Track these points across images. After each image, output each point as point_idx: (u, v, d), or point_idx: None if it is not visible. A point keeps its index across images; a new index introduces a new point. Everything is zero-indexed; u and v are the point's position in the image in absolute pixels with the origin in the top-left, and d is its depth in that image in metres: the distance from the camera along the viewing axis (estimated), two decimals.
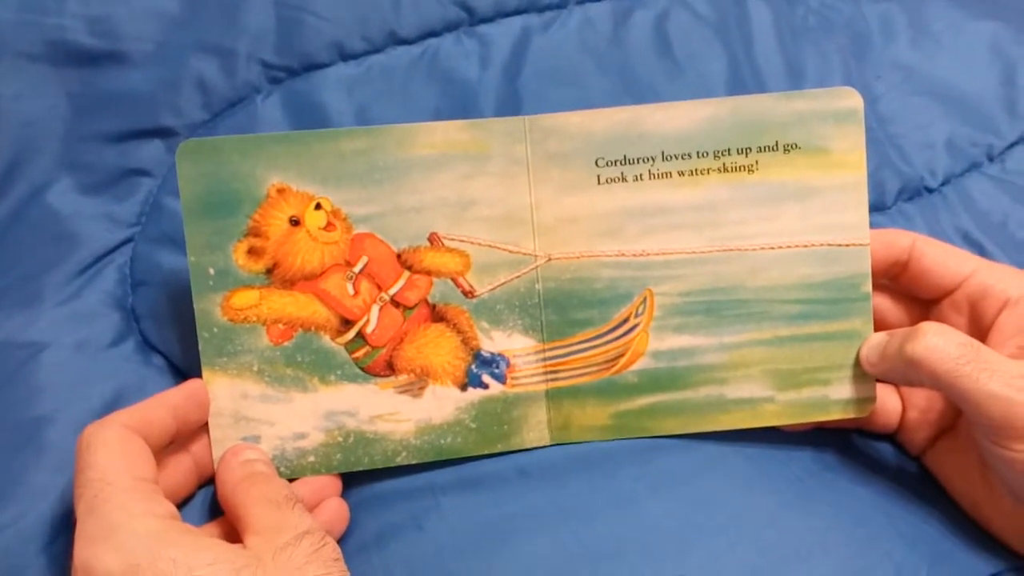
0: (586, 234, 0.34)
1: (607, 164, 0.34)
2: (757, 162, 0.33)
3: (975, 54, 0.47)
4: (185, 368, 0.36)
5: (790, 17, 0.46)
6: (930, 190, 0.44)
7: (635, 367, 0.34)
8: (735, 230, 0.34)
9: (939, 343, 0.30)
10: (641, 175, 0.33)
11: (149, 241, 0.38)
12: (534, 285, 0.34)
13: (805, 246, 0.33)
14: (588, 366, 0.35)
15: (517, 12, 0.43)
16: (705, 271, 0.34)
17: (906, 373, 0.32)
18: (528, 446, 0.35)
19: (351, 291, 0.33)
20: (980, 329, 0.33)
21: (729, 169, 0.33)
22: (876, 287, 0.35)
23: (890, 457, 0.36)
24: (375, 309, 0.34)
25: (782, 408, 0.34)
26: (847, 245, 0.33)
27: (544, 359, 0.35)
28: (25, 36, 0.39)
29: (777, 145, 0.33)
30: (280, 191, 0.33)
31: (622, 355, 0.34)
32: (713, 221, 0.34)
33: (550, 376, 0.35)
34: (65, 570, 0.30)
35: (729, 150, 0.33)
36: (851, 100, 0.33)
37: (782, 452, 0.35)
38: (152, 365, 0.35)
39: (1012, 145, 0.46)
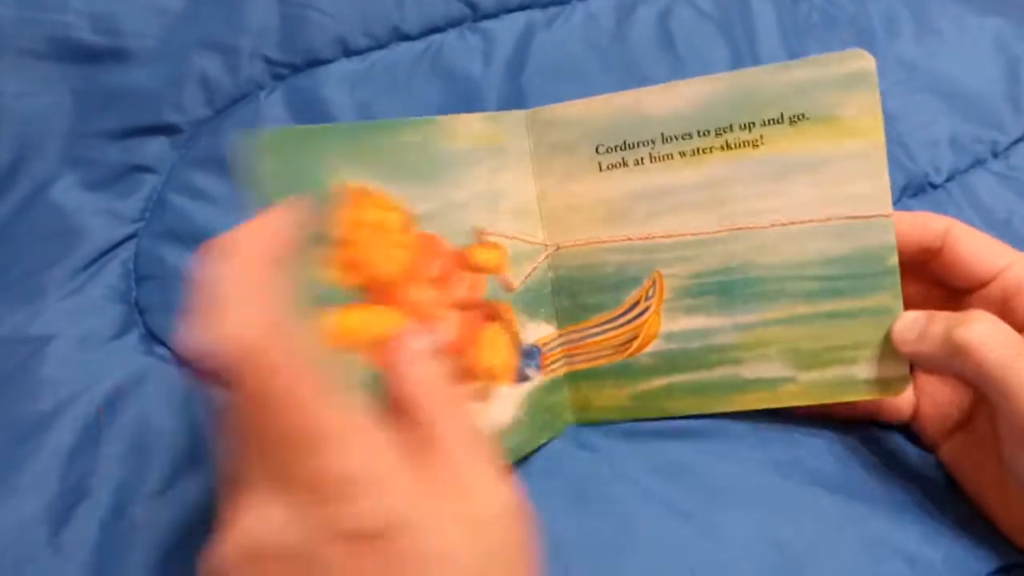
0: (591, 221, 0.34)
1: (607, 150, 0.33)
2: (762, 136, 0.31)
3: (979, 50, 0.47)
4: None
5: (793, 14, 0.46)
6: (934, 186, 0.44)
7: (649, 349, 0.34)
8: (743, 207, 0.32)
9: (992, 333, 0.29)
10: (642, 159, 0.33)
11: (153, 237, 0.38)
12: (547, 273, 0.35)
13: (820, 221, 0.31)
14: (603, 349, 0.34)
15: (520, 8, 0.43)
16: (715, 251, 0.33)
17: (947, 359, 0.30)
18: (559, 430, 0.35)
19: (431, 299, 0.31)
20: (1012, 325, 0.31)
21: (732, 146, 0.32)
22: (901, 268, 0.33)
23: (904, 449, 0.36)
24: (454, 316, 0.32)
25: (803, 388, 0.33)
26: (867, 217, 0.31)
27: (561, 344, 0.35)
28: (27, 33, 0.39)
29: (782, 117, 0.31)
30: (360, 192, 0.29)
31: (635, 338, 0.34)
32: (719, 199, 0.32)
33: (568, 360, 0.35)
34: (67, 562, 0.30)
35: (731, 126, 0.32)
36: (861, 62, 0.30)
37: (795, 444, 0.34)
38: (155, 355, 0.35)
39: (1016, 141, 0.46)
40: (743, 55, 0.44)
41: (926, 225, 0.33)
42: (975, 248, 0.32)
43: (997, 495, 0.32)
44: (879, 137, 0.30)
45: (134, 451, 0.32)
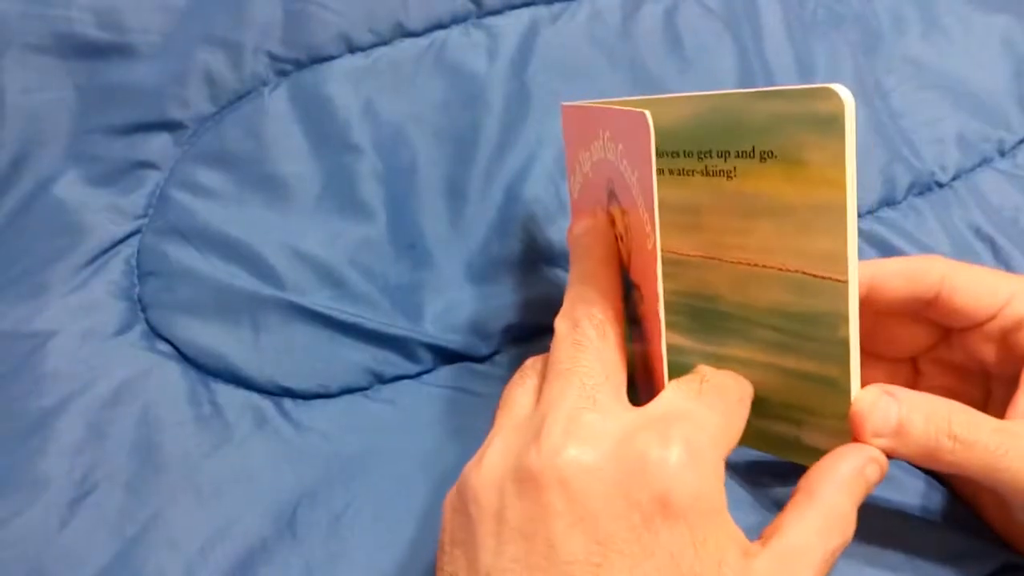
0: None
1: None
2: (735, 168, 0.28)
3: (986, 48, 0.47)
4: (191, 354, 0.35)
5: (800, 11, 0.46)
6: (941, 185, 0.43)
7: None
8: (716, 238, 0.29)
9: (974, 437, 0.26)
10: None
11: (156, 233, 0.38)
12: None
13: (779, 269, 0.28)
14: None
15: (525, 4, 0.43)
16: (690, 275, 0.31)
17: (927, 462, 0.28)
18: None
19: None
20: (1012, 358, 0.30)
21: (710, 173, 0.29)
22: (890, 312, 0.32)
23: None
24: None
25: (755, 433, 0.30)
26: (821, 278, 0.27)
27: None
28: (32, 28, 0.39)
29: (754, 151, 0.27)
30: None
31: None
32: (697, 225, 0.30)
33: None
34: (74, 560, 0.30)
35: (710, 152, 0.28)
36: (830, 104, 0.25)
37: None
38: (157, 351, 0.35)
39: (1023, 140, 0.45)
40: (749, 53, 0.43)
41: (919, 278, 0.31)
42: (972, 293, 0.30)
43: (996, 509, 0.31)
44: (843, 193, 0.25)
45: (139, 446, 0.32)
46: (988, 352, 0.31)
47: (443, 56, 0.41)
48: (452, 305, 0.37)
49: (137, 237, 0.38)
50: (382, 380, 0.36)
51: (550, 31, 0.42)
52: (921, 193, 0.43)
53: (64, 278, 0.36)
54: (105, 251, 0.37)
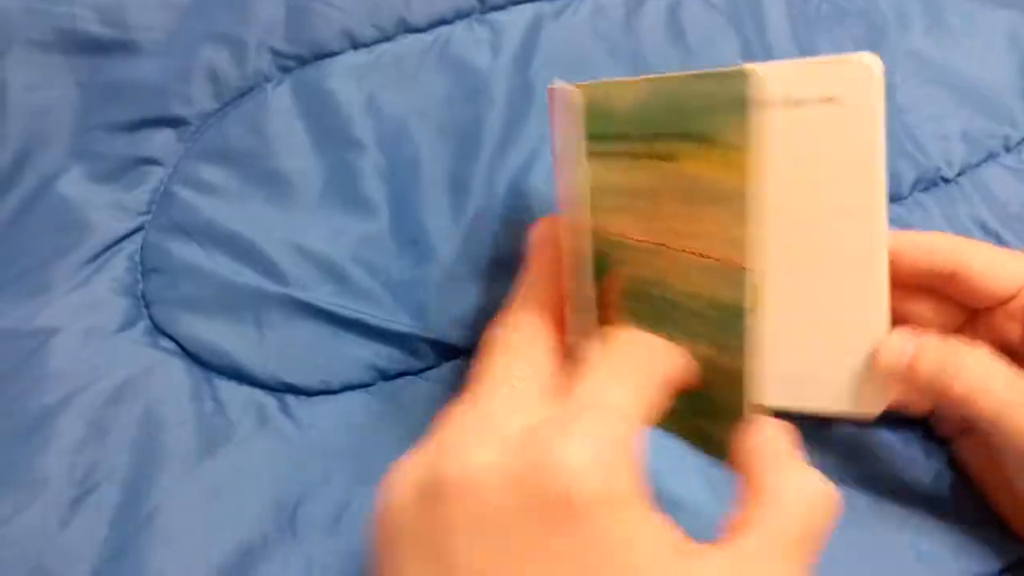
0: (581, 205, 0.30)
1: (590, 137, 0.30)
2: (678, 152, 0.27)
3: (991, 44, 0.47)
4: (195, 351, 0.35)
5: (803, 6, 0.46)
6: (946, 180, 0.43)
7: None
8: (665, 224, 0.28)
9: (987, 382, 0.27)
10: (602, 153, 0.29)
11: (159, 230, 0.38)
12: None
13: (702, 255, 0.27)
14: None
15: None
16: (644, 261, 0.29)
17: (939, 402, 0.28)
18: None
19: None
20: None
21: (660, 157, 0.27)
22: (912, 291, 0.32)
23: (917, 447, 0.35)
24: None
25: (686, 425, 0.29)
26: (731, 265, 0.26)
27: None
28: (35, 25, 0.39)
29: (691, 135, 0.26)
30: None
31: None
32: (648, 211, 0.29)
33: None
34: (74, 558, 0.29)
35: (657, 135, 0.27)
36: (741, 82, 0.23)
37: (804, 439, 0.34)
38: (160, 348, 0.35)
39: None
40: (753, 47, 0.43)
41: (931, 251, 0.31)
42: (989, 269, 0.30)
43: (1007, 494, 0.31)
44: (743, 176, 0.25)
45: (140, 445, 0.32)
46: (1013, 332, 0.31)
47: (446, 51, 0.41)
48: (455, 301, 0.37)
49: (140, 234, 0.38)
50: (385, 376, 0.36)
51: (553, 26, 0.42)
52: (926, 189, 0.43)
53: (67, 275, 0.36)
54: (108, 248, 0.37)
